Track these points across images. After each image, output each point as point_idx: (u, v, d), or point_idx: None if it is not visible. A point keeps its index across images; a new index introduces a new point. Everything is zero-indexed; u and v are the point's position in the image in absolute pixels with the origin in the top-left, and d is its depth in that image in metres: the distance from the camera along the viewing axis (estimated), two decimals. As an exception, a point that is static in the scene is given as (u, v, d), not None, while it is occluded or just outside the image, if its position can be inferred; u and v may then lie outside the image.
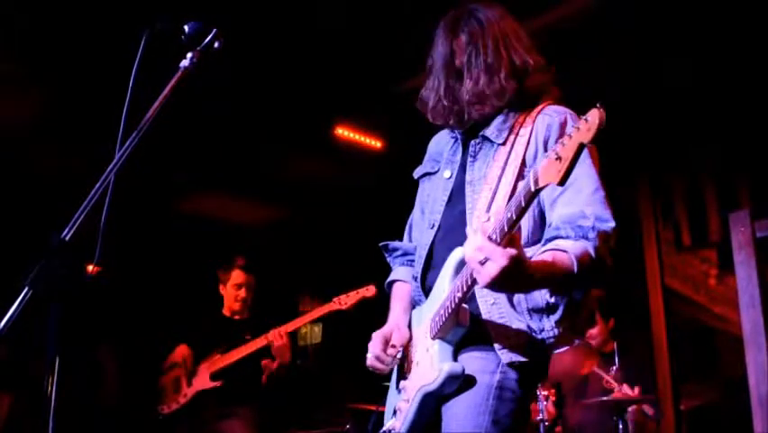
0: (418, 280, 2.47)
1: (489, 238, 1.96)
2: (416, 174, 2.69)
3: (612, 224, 2.17)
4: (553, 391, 4.84)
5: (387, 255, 2.76)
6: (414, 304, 2.53)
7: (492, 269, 1.93)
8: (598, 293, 5.26)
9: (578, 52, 5.06)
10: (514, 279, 1.96)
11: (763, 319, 3.26)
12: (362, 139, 6.58)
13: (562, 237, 2.15)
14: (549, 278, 2.07)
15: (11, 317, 1.83)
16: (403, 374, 2.43)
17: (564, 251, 2.08)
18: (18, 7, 4.81)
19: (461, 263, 2.22)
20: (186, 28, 2.20)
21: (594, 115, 1.74)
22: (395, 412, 2.42)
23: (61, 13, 4.86)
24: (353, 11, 5.11)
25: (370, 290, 4.99)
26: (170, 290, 6.92)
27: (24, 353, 5.17)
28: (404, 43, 5.08)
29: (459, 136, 2.52)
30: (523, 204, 1.92)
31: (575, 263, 2.05)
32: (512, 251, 1.92)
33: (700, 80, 5.43)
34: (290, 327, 5.20)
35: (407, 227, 2.76)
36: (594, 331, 5.26)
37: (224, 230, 7.06)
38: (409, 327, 2.51)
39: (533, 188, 1.88)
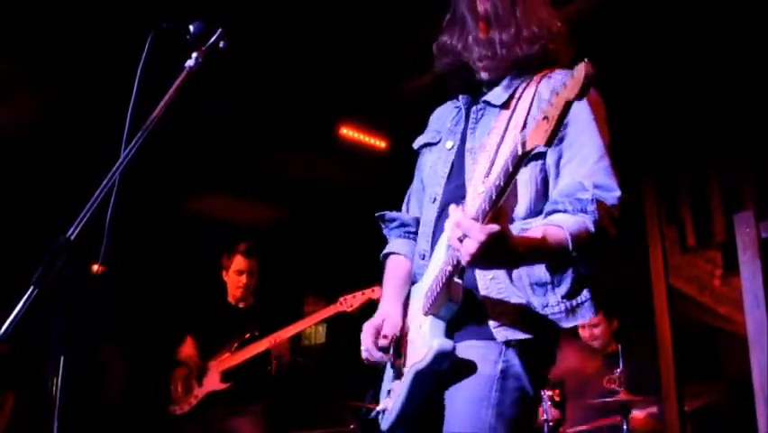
0: (427, 258, 2.37)
1: (477, 213, 1.89)
2: (415, 145, 2.62)
3: (617, 193, 2.10)
4: (557, 391, 4.83)
5: (383, 226, 2.69)
6: (416, 280, 2.43)
7: (470, 246, 1.85)
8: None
9: (578, 50, 5.06)
10: (495, 255, 1.88)
11: (767, 319, 3.25)
12: (366, 139, 6.58)
13: (560, 211, 2.07)
14: (538, 254, 2.01)
15: (16, 316, 1.83)
16: (399, 354, 2.36)
17: (559, 226, 2.01)
18: (19, 7, 4.81)
19: None
20: (191, 28, 2.21)
21: (580, 70, 1.65)
22: (389, 393, 2.37)
23: (63, 13, 4.87)
24: (357, 10, 5.11)
25: (376, 292, 4.94)
26: (174, 288, 6.94)
27: (28, 351, 5.17)
28: (408, 42, 5.10)
29: (463, 105, 2.45)
30: (510, 169, 1.82)
31: (569, 240, 1.98)
32: (492, 227, 1.85)
33: (705, 80, 5.43)
34: (295, 328, 5.20)
35: (406, 199, 2.70)
36: (597, 331, 5.24)
37: (227, 230, 7.07)
38: (407, 303, 2.44)
39: (519, 152, 1.79)
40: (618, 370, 4.74)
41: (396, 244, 2.61)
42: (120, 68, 2.51)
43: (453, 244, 1.92)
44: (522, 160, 1.80)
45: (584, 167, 2.12)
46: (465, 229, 1.87)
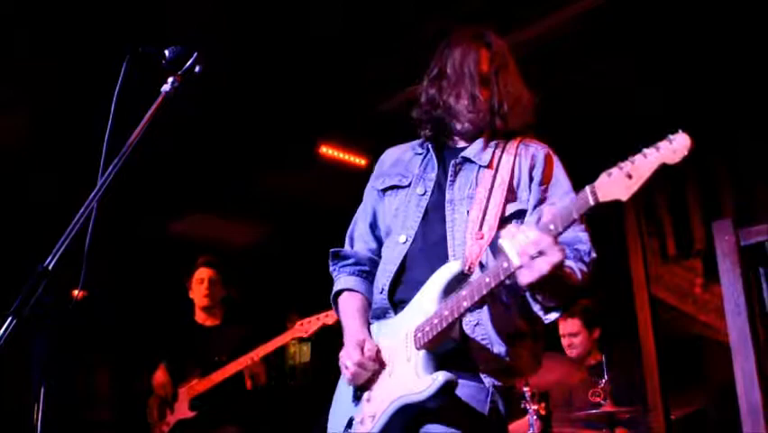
0: (385, 292, 2.45)
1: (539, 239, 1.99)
2: (380, 186, 2.67)
3: (594, 254, 2.29)
4: (542, 404, 4.82)
5: (335, 262, 2.71)
6: (374, 317, 2.51)
7: (545, 264, 1.97)
8: (584, 302, 5.26)
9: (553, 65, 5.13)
10: (554, 279, 2.01)
11: (749, 326, 3.27)
12: (346, 157, 6.60)
13: None
14: (567, 286, 2.15)
15: (-5, 346, 1.81)
16: (366, 386, 2.38)
17: (571, 268, 2.18)
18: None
19: (456, 277, 2.25)
20: (166, 52, 2.20)
21: (683, 139, 1.82)
22: (350, 423, 2.39)
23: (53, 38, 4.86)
24: (336, 31, 5.13)
25: (330, 317, 4.95)
26: (151, 311, 6.92)
27: (10, 383, 5.13)
28: (386, 62, 5.13)
29: (432, 153, 2.57)
30: (575, 216, 1.97)
31: (579, 274, 2.18)
32: (563, 248, 1.99)
33: (679, 90, 5.48)
34: (260, 352, 5.14)
35: (349, 237, 2.74)
36: (576, 340, 5.25)
37: (210, 250, 7.06)
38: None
39: (592, 203, 1.92)
40: (603, 381, 4.74)
41: (349, 281, 2.65)
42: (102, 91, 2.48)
43: (523, 260, 1.99)
44: (592, 210, 1.94)
45: (568, 231, 2.23)
46: (545, 246, 1.97)
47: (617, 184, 1.87)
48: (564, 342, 5.30)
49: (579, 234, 2.29)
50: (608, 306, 5.62)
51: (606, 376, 4.76)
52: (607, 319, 5.38)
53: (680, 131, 1.82)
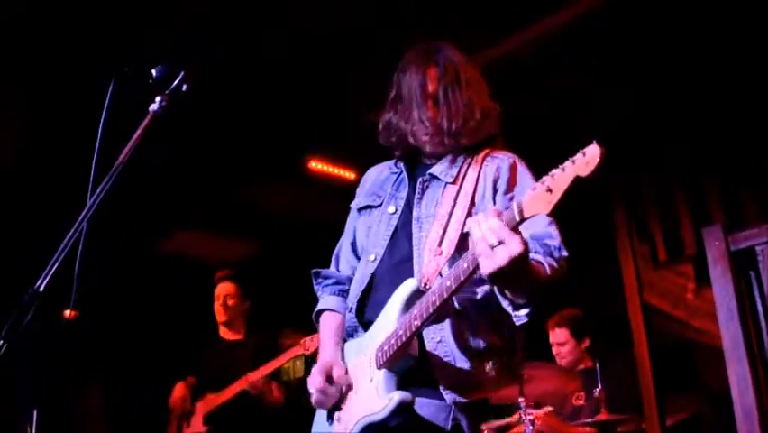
0: (353, 311, 2.47)
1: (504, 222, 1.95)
2: (356, 206, 2.70)
3: (566, 253, 2.24)
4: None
5: (317, 282, 2.74)
6: (348, 335, 2.52)
7: (504, 255, 1.91)
8: (573, 312, 5.27)
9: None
10: (517, 271, 1.95)
11: (741, 331, 3.28)
12: (336, 171, 6.61)
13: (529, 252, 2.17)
14: (535, 280, 2.08)
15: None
16: (337, 406, 2.41)
17: (539, 261, 2.13)
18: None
19: (414, 295, 2.25)
20: (153, 72, 2.20)
21: (594, 150, 1.79)
22: None
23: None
24: (323, 44, 5.14)
25: None
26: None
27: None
28: (372, 74, 5.13)
29: (404, 171, 2.58)
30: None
31: (548, 269, 2.12)
32: (524, 240, 1.93)
33: (669, 96, 5.50)
34: (264, 370, 5.13)
35: (335, 257, 2.76)
36: (563, 350, 5.26)
37: (200, 267, 7.04)
38: (342, 359, 2.50)
39: (518, 219, 1.91)
40: (597, 390, 4.74)
41: (330, 300, 2.67)
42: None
43: (482, 250, 1.94)
44: (519, 224, 1.93)
45: (538, 227, 2.25)
46: (504, 237, 1.91)
47: (539, 199, 1.87)
48: (553, 351, 5.32)
49: (549, 230, 2.27)
50: (601, 313, 5.62)
51: (599, 385, 4.75)
52: (598, 328, 5.38)
53: (593, 142, 1.81)
